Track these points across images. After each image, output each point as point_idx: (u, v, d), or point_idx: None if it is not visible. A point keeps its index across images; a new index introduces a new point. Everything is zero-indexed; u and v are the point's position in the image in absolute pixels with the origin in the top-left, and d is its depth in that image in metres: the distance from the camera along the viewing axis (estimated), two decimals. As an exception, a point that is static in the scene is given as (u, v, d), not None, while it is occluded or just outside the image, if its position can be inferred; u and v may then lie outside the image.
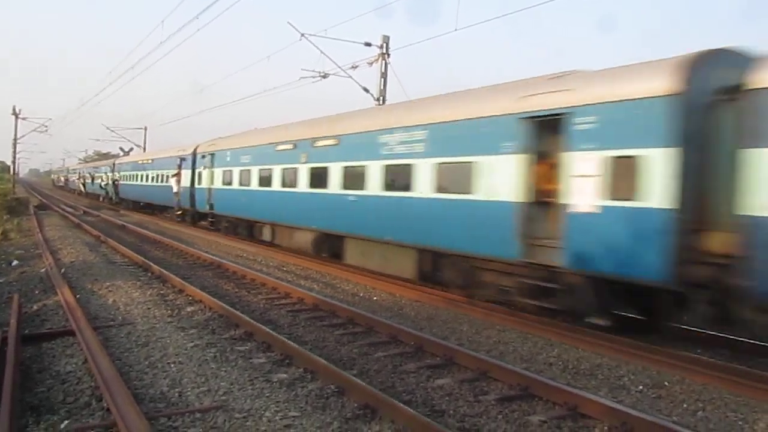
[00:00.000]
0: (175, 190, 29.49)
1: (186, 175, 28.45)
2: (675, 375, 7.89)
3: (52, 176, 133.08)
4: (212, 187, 24.89)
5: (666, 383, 7.62)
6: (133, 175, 41.34)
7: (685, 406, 6.90)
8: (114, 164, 50.16)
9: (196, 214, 27.94)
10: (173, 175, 29.62)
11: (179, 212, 30.25)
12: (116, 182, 46.75)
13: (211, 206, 25.09)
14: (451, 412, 6.40)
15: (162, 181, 32.97)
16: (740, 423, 6.46)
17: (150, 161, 37.32)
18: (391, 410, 6.02)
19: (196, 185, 26.97)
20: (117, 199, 46.52)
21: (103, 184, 52.80)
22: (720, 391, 7.37)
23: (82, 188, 65.95)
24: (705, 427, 6.29)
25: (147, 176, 37.11)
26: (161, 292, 12.21)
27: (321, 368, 7.28)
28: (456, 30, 18.76)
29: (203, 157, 26.08)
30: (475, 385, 7.23)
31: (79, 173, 73.16)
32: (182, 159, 29.07)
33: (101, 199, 52.46)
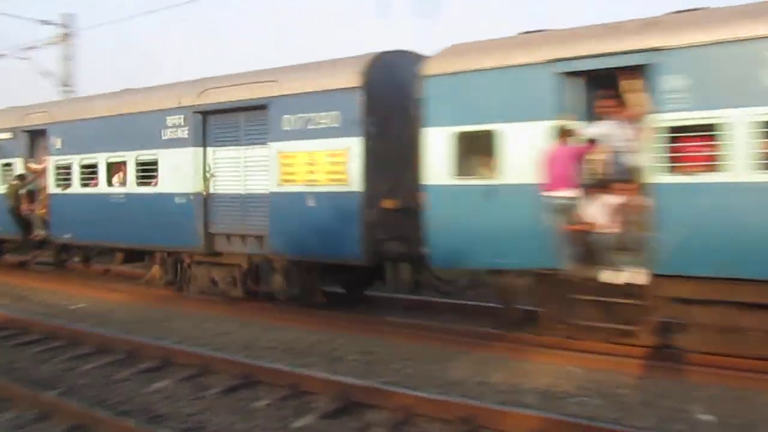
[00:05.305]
0: None
1: None
2: (383, 340, 8.65)
3: None
4: None
5: (375, 348, 8.33)
6: None
7: (393, 366, 7.61)
8: None
9: None
10: None
11: None
12: None
13: None
14: (173, 414, 6.14)
15: None
16: (439, 371, 7.35)
17: None
18: (104, 425, 5.56)
19: None
20: None
21: None
22: (421, 348, 8.28)
23: None
24: (412, 382, 6.97)
25: None
26: None
27: (15, 395, 6.40)
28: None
29: None
30: (196, 382, 7.04)
31: None
32: None
33: None
